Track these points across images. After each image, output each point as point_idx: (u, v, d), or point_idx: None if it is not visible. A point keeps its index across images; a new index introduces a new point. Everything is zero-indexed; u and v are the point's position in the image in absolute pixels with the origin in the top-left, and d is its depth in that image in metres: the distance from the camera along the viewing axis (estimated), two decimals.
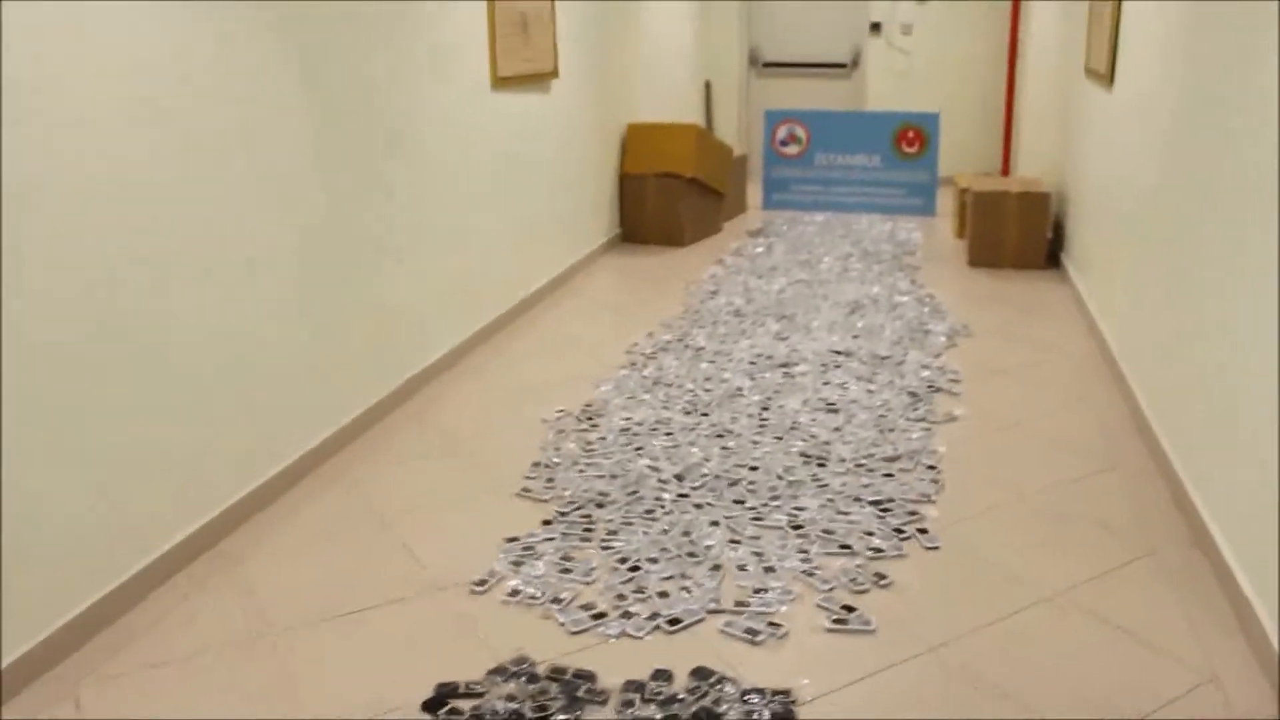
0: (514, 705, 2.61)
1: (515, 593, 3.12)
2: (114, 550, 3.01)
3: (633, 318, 5.92)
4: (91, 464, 2.89)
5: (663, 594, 3.09)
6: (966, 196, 7.44)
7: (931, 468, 3.92)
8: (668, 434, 4.21)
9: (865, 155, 8.95)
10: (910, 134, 8.81)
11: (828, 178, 9.03)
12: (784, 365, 5.01)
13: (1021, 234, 6.89)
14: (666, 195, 7.69)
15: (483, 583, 3.18)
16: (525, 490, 3.78)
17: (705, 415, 4.40)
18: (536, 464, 3.98)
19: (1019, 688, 2.66)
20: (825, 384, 4.75)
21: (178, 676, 2.77)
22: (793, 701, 2.62)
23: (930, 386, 4.74)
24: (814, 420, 4.33)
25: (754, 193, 9.41)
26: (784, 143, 9.07)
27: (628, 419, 4.36)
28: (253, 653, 2.86)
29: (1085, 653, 2.80)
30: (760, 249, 7.56)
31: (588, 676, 2.72)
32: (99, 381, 2.90)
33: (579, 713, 2.59)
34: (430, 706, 2.62)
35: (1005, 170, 9.88)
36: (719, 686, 2.67)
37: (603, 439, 4.17)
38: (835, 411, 4.43)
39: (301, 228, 3.78)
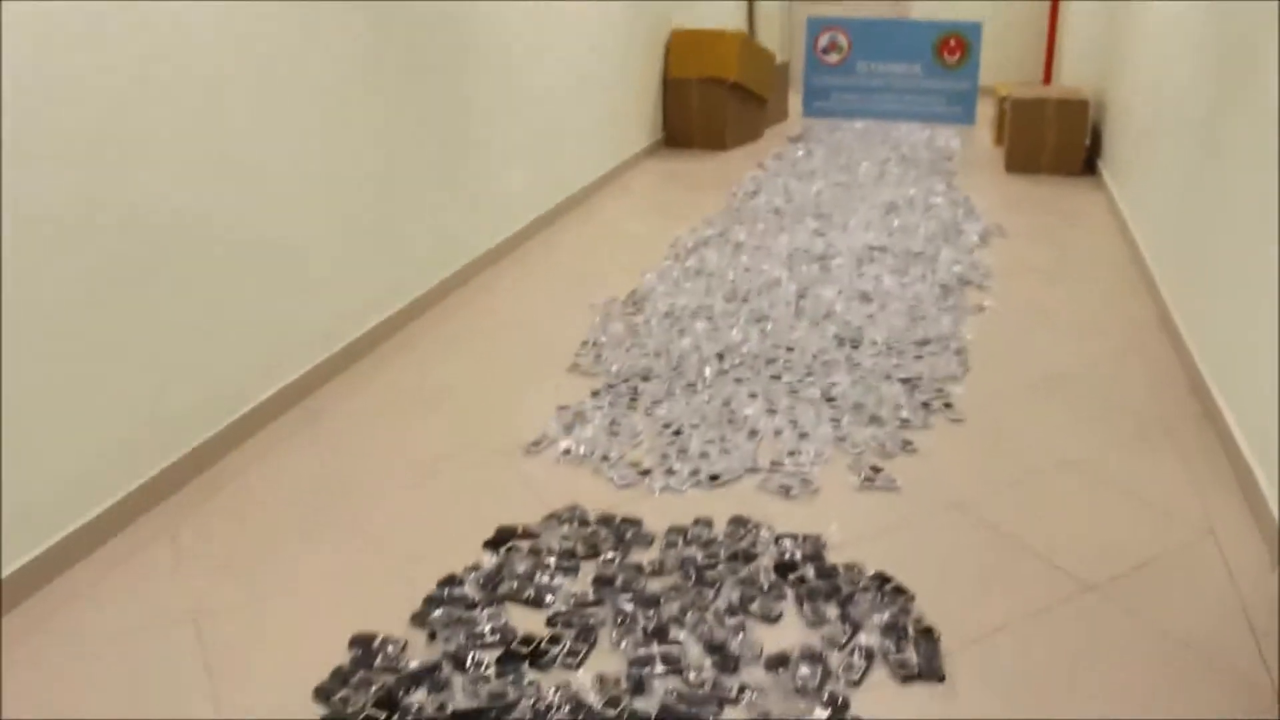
0: (568, 544, 2.87)
1: (567, 452, 3.38)
2: (208, 404, 3.28)
3: (675, 214, 6.12)
4: (189, 329, 3.15)
5: (703, 454, 3.33)
6: (1006, 104, 7.54)
7: (959, 351, 4.12)
8: (708, 318, 4.43)
9: (906, 64, 9.03)
10: (952, 43, 8.87)
11: (868, 85, 9.12)
12: (821, 259, 5.21)
13: (1059, 141, 7.00)
14: (710, 100, 7.83)
15: (537, 443, 3.44)
16: (575, 365, 4.03)
17: (745, 302, 4.62)
18: (585, 343, 4.22)
19: (1034, 537, 2.90)
20: (860, 276, 4.95)
21: (267, 516, 3.06)
22: (823, 545, 2.86)
23: (961, 280, 4.93)
24: (848, 308, 4.54)
25: (795, 100, 9.52)
26: (825, 50, 9.16)
27: (671, 305, 4.58)
28: (333, 499, 3.14)
29: (1096, 510, 3.03)
30: (800, 153, 7.70)
31: (635, 522, 2.98)
32: (201, 261, 3.16)
33: (627, 552, 2.84)
34: (492, 545, 2.88)
35: (1047, 80, 9.92)
36: (755, 531, 2.91)
37: (647, 322, 4.40)
38: (869, 300, 4.63)
39: (374, 130, 4.00)
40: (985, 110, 9.07)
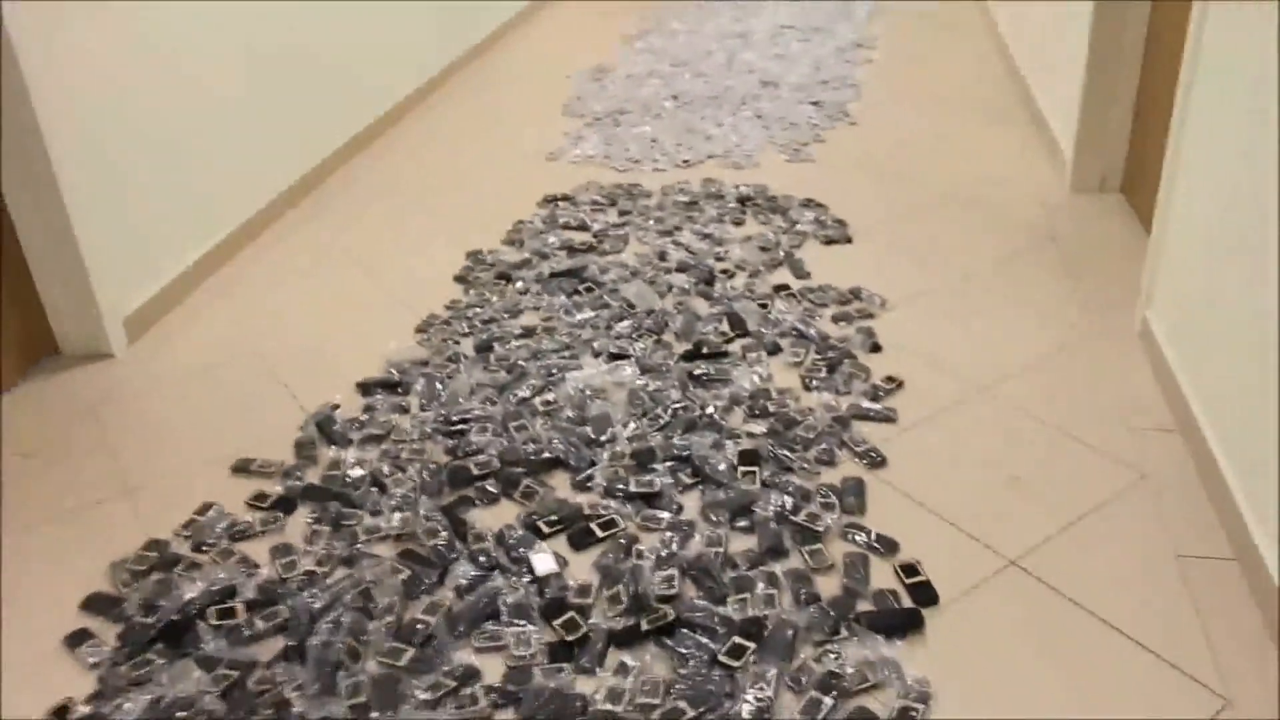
0: (597, 198, 4.24)
1: (577, 156, 4.72)
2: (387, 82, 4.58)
3: (619, 12, 7.38)
4: (327, 75, 4.42)
5: (676, 149, 4.71)
6: None
7: (853, 86, 5.52)
8: (660, 77, 5.76)
9: None
10: None
11: None
12: (741, 35, 6.54)
13: None
14: None
15: (554, 154, 4.78)
16: (567, 108, 5.35)
17: (686, 65, 5.95)
18: (571, 96, 5.54)
19: (911, 175, 4.31)
20: (774, 45, 6.30)
21: (380, 193, 4.37)
22: (767, 188, 4.27)
23: (854, 44, 6.30)
24: (767, 64, 5.89)
25: None
26: None
27: (630, 70, 5.90)
28: (429, 184, 4.45)
29: (953, 161, 4.43)
30: None
31: (637, 185, 4.35)
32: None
33: (635, 200, 4.22)
34: (544, 203, 4.25)
35: None
36: (720, 184, 4.31)
37: (614, 81, 5.72)
38: (782, 59, 5.99)
39: None
40: None
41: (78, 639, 2.24)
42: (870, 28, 6.64)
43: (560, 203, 4.20)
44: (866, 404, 2.84)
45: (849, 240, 3.77)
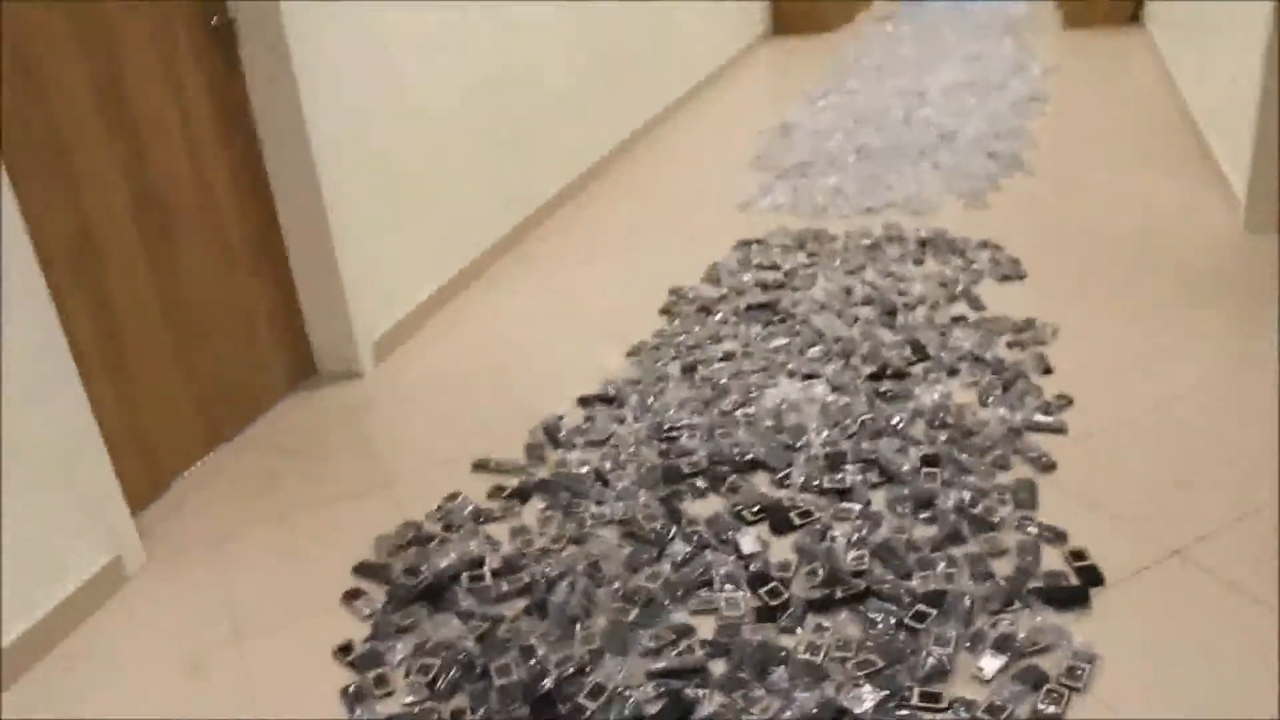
0: (785, 243, 4.62)
1: (767, 205, 5.11)
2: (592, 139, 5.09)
3: (800, 75, 7.79)
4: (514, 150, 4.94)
5: (860, 197, 5.06)
6: None
7: (1027, 136, 5.77)
8: (843, 132, 6.13)
9: None
10: None
11: None
12: (919, 93, 6.86)
13: None
14: None
15: (744, 204, 5.18)
16: (756, 161, 5.76)
17: (866, 121, 6.30)
18: (759, 151, 5.95)
19: (1084, 223, 4.55)
20: (950, 101, 6.60)
21: (594, 237, 4.83)
22: (945, 231, 4.58)
23: (1028, 99, 6.56)
24: (944, 119, 6.20)
25: None
26: None
27: (814, 128, 6.29)
28: (635, 226, 4.91)
29: (1124, 208, 4.65)
30: (890, 29, 9.30)
31: (822, 230, 4.72)
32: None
33: (822, 244, 4.58)
34: (738, 246, 4.64)
35: None
36: (900, 229, 4.64)
37: (800, 137, 6.11)
38: (959, 114, 6.29)
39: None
40: None
41: (353, 595, 2.68)
42: (1043, 83, 6.87)
43: (753, 245, 4.58)
44: (1039, 417, 3.11)
45: (1023, 277, 4.05)
